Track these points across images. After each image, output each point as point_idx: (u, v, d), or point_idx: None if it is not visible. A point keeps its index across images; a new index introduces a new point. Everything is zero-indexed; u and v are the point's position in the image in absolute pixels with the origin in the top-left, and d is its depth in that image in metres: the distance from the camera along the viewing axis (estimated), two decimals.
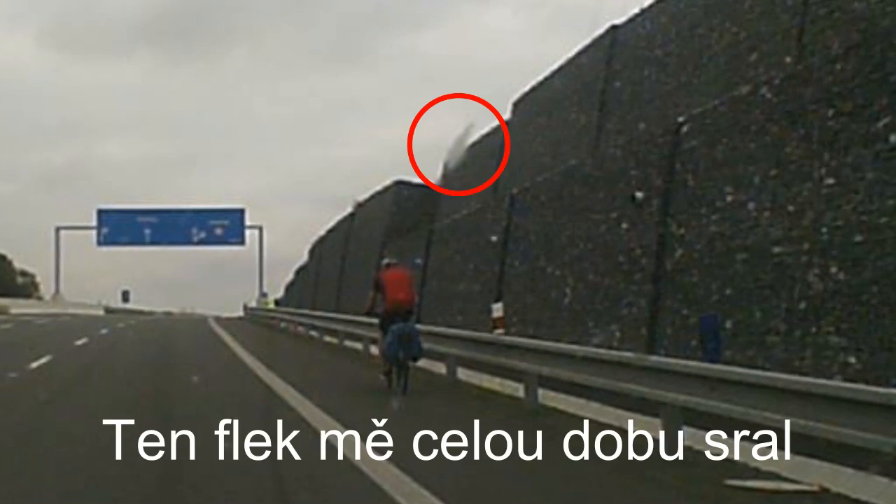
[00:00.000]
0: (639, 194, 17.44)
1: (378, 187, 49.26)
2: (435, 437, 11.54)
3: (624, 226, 18.00)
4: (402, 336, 15.04)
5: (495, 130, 37.63)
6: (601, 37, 28.91)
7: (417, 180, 46.84)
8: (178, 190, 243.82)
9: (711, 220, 15.25)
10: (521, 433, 11.87)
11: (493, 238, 25.00)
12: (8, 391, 16.40)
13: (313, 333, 34.08)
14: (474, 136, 40.24)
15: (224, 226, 66.86)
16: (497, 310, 19.37)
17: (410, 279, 17.20)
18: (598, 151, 23.98)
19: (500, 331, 17.92)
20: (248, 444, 10.74)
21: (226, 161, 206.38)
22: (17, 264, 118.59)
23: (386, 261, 19.01)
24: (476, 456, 10.43)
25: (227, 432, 11.67)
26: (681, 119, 17.35)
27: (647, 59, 25.67)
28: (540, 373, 13.40)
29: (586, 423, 12.37)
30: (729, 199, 14.89)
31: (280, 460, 9.87)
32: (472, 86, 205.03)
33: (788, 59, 18.16)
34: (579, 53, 30.44)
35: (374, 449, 10.22)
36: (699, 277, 15.29)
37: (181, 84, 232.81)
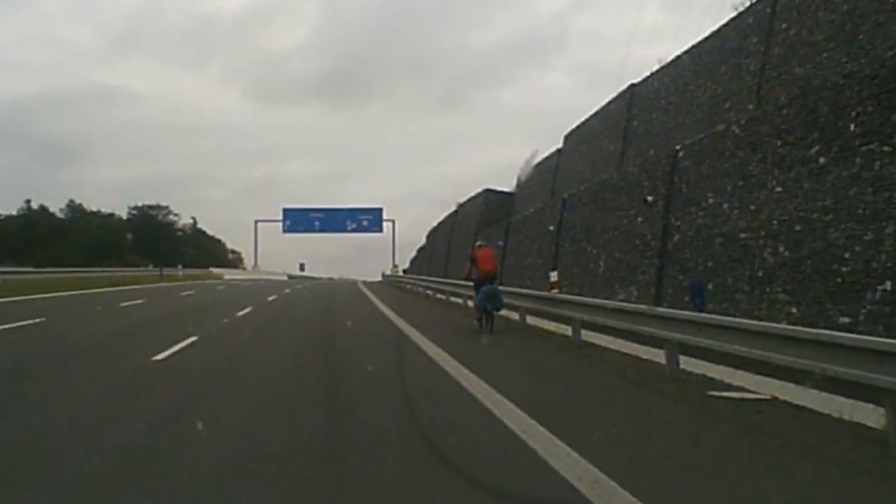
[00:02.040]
0: (649, 198, 17.52)
1: (472, 193, 49.19)
2: (510, 361, 12.03)
3: (639, 219, 18.09)
4: (490, 294, 15.25)
5: (552, 154, 37.64)
6: (624, 91, 28.65)
7: (500, 188, 46.90)
8: (337, 195, 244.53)
9: (698, 215, 15.31)
10: (569, 358, 12.21)
11: (551, 228, 25.13)
12: (223, 331, 16.46)
13: (429, 293, 33.67)
14: (538, 159, 40.45)
15: (368, 219, 65.94)
16: (553, 276, 19.61)
17: (495, 255, 17.22)
18: (622, 169, 23.87)
19: (555, 290, 18.02)
20: (383, 366, 11.15)
21: (369, 176, 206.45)
22: (229, 245, 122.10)
23: (478, 243, 19.13)
24: (538, 374, 10.78)
25: (370, 358, 11.95)
26: (678, 147, 17.35)
27: (655, 106, 25.44)
28: (582, 319, 13.36)
29: (613, 352, 12.28)
30: (710, 201, 14.94)
31: (405, 377, 9.97)
32: (536, 125, 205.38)
33: (751, 107, 17.98)
34: (609, 102, 30.25)
35: (470, 370, 10.11)
36: (690, 254, 15.38)
37: (340, 124, 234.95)
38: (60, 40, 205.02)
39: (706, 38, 22.78)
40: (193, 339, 13.70)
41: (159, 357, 11.20)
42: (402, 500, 4.77)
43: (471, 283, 16.97)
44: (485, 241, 21.82)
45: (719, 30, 22.12)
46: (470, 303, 19.46)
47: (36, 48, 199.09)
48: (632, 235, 18.33)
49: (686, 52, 24.14)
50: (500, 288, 16.20)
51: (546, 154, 39.13)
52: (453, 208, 55.36)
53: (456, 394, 8.67)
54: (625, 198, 19.28)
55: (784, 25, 18.34)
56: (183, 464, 5.47)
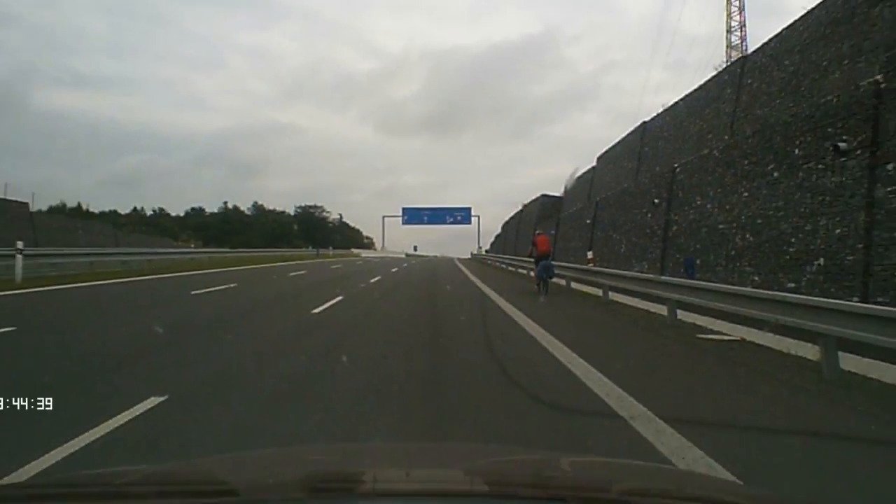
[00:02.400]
0: (656, 200, 17.53)
1: (533, 197, 48.76)
2: (558, 313, 12.12)
3: (649, 216, 18.10)
4: (545, 267, 15.71)
5: (589, 170, 37.26)
6: (638, 126, 28.25)
7: (552, 193, 46.56)
8: (439, 198, 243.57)
9: (690, 212, 15.34)
10: (600, 312, 12.39)
11: (588, 221, 25.08)
12: (360, 294, 15.82)
13: (502, 266, 33.33)
14: (579, 173, 39.99)
15: (461, 215, 64.88)
16: (589, 254, 19.75)
17: (549, 240, 17.49)
18: (637, 181, 23.68)
19: (591, 264, 18.04)
20: (471, 316, 11.16)
21: (461, 185, 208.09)
22: (364, 233, 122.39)
23: (537, 231, 19.50)
24: (578, 322, 10.86)
25: (462, 311, 12.00)
26: (675, 165, 17.34)
27: (660, 136, 25.14)
28: (609, 284, 13.61)
29: (631, 308, 12.33)
30: (698, 202, 14.96)
31: (486, 325, 9.81)
32: (576, 150, 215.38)
33: (726, 137, 17.72)
34: (628, 134, 29.86)
35: (531, 318, 10.14)
36: (684, 240, 15.43)
37: (441, 148, 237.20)
38: (247, 91, 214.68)
39: (695, 90, 22.59)
40: (340, 298, 13.70)
41: (316, 311, 11.16)
42: (484, 408, 4.68)
43: (532, 259, 17.24)
44: (541, 230, 22.07)
45: (704, 83, 22.02)
46: (532, 273, 19.66)
47: (231, 97, 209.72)
48: (643, 226, 18.39)
49: (681, 99, 23.93)
50: (552, 263, 16.61)
51: (584, 170, 38.63)
52: (519, 208, 54.49)
53: (521, 336, 8.57)
54: (639, 200, 19.30)
55: (749, 80, 18.05)
56: (333, 384, 5.51)
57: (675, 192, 16.57)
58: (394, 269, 31.64)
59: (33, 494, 1.10)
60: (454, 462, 1.63)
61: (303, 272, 26.65)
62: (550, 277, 15.77)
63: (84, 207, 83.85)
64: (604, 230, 22.68)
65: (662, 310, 10.54)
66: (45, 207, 63.73)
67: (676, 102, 24.23)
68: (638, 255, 18.37)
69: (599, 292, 14.20)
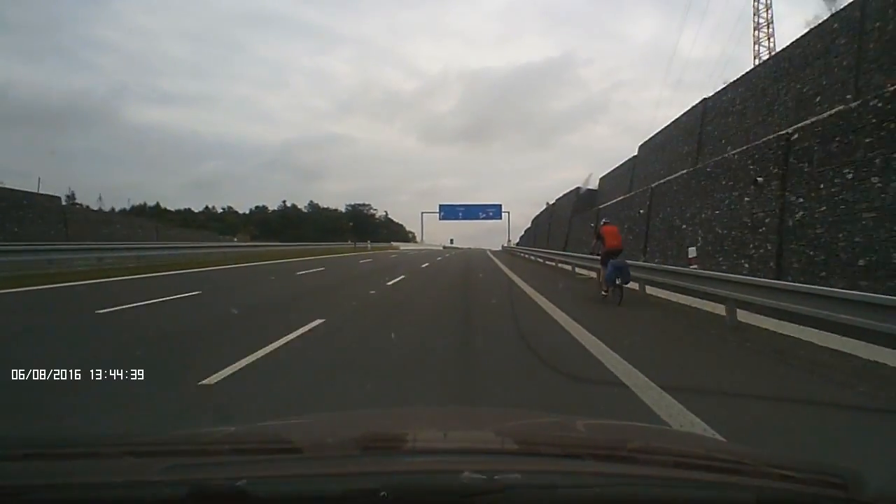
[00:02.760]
0: (759, 179, 11.33)
1: (560, 195, 43.43)
2: (612, 316, 7.00)
3: (745, 199, 11.89)
4: (619, 269, 9.86)
5: (628, 161, 30.78)
6: (696, 105, 21.83)
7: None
8: (472, 197, 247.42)
9: (831, 191, 9.11)
10: (748, 352, 6.32)
11: (641, 211, 18.93)
12: (407, 280, 15.56)
13: (530, 257, 30.74)
14: (595, 179, 36.90)
15: (492, 211, 62.90)
16: (692, 252, 12.20)
17: (618, 231, 11.54)
18: (698, 162, 17.66)
19: (694, 266, 10.98)
20: (501, 300, 10.54)
21: (492, 187, 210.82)
22: (407, 228, 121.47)
23: (603, 220, 12.87)
24: (730, 381, 5.20)
25: (492, 295, 11.55)
26: (790, 129, 11.05)
27: (728, 111, 18.72)
28: (741, 298, 7.98)
29: (809, 347, 6.90)
30: (849, 177, 8.73)
31: (514, 306, 9.35)
32: (590, 156, 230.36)
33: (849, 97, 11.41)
34: (682, 115, 23.38)
35: (551, 302, 9.61)
36: (824, 231, 9.20)
37: (474, 156, 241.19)
38: (308, 107, 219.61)
39: (786, 49, 15.74)
40: (402, 277, 16.32)
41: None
42: (511, 375, 4.59)
43: (556, 250, 12.94)
44: (607, 219, 15.63)
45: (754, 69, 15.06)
46: (563, 265, 17.45)
47: (294, 112, 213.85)
48: (737, 214, 12.09)
49: (765, 63, 17.06)
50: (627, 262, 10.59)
51: (621, 163, 32.42)
52: (545, 206, 50.20)
53: (542, 316, 8.02)
54: (724, 182, 12.99)
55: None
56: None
57: (793, 165, 10.28)
58: (440, 258, 32.83)
59: (161, 450, 1.10)
60: (485, 424, 1.67)
61: (370, 260, 28.74)
62: (626, 282, 9.79)
63: (163, 206, 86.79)
64: (665, 220, 16.43)
65: (719, 308, 7.89)
66: (128, 207, 72.66)
67: (750, 70, 17.64)
68: (729, 249, 12.11)
69: (702, 304, 8.46)
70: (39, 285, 11.28)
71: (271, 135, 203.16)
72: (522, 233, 66.81)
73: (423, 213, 70.62)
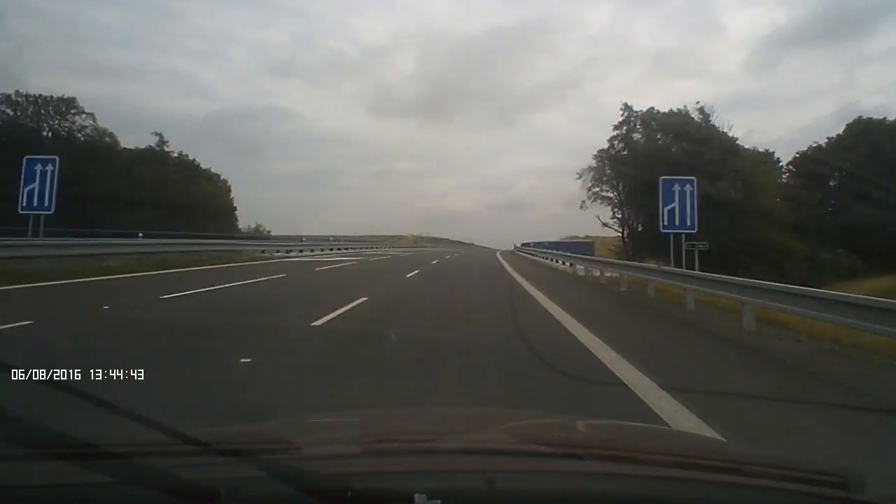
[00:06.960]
0: None
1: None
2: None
3: None
4: None
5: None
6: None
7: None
8: (429, 185, 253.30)
9: None
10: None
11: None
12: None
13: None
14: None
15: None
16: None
17: None
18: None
19: None
20: (500, 295, 11.34)
21: (449, 173, 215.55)
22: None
23: None
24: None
25: (492, 291, 12.27)
26: None
27: None
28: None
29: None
30: None
31: (511, 300, 10.26)
32: (552, 142, 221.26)
33: None
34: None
35: (547, 297, 10.35)
36: None
37: (430, 134, 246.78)
38: (247, 78, 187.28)
39: None
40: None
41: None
42: (508, 364, 4.92)
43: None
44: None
45: None
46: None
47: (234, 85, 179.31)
48: None
49: None
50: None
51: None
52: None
53: (538, 312, 8.71)
54: None
55: None
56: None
57: None
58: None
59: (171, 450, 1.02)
60: (487, 424, 1.68)
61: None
62: None
63: None
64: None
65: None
66: None
67: None
68: None
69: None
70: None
71: (202, 108, 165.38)
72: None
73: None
